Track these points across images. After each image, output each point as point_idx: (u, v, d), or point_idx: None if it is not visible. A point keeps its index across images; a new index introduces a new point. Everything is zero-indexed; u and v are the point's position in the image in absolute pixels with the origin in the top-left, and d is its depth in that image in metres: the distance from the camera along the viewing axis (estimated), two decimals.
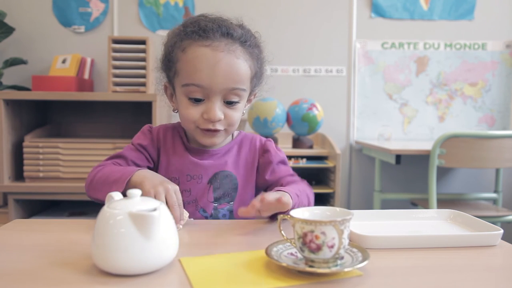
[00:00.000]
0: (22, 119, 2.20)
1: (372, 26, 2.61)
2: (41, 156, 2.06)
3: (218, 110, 0.89)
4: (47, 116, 2.44)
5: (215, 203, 0.97)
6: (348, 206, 2.66)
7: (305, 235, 0.58)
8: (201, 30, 0.88)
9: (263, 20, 2.52)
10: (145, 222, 0.58)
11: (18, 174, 2.13)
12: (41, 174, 2.06)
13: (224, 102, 0.90)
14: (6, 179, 2.04)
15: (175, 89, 0.94)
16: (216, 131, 0.91)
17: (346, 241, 0.59)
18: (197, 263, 0.63)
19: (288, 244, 0.66)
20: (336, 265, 0.59)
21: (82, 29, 2.52)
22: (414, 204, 2.42)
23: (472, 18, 2.63)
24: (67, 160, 2.06)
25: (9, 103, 2.06)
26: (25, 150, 2.06)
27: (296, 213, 0.62)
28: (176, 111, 0.98)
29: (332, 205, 2.18)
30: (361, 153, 2.65)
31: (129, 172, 0.86)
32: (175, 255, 0.63)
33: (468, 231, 0.80)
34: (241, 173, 0.99)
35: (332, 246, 0.58)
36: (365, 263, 0.58)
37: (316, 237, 0.57)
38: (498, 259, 0.69)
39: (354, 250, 0.64)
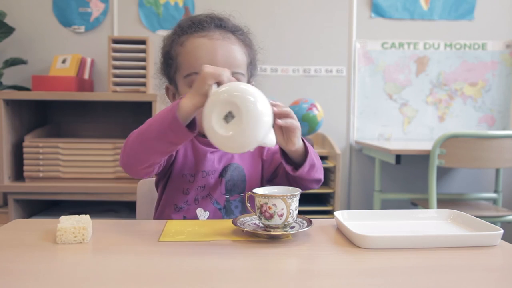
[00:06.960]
0: (22, 119, 2.20)
1: (372, 26, 2.61)
2: (41, 156, 2.06)
3: None
4: (47, 116, 2.44)
5: (226, 195, 1.00)
6: (348, 206, 2.66)
7: (261, 206, 0.76)
8: (195, 24, 0.95)
9: (263, 20, 2.52)
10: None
11: (18, 174, 2.13)
12: (41, 174, 2.06)
13: None
14: (6, 179, 2.04)
15: (178, 85, 0.97)
16: None
17: (294, 212, 0.76)
18: (173, 233, 0.78)
19: (255, 216, 0.81)
20: (286, 230, 0.76)
21: (82, 29, 2.52)
22: (414, 204, 2.42)
23: (472, 18, 2.63)
24: (67, 160, 2.06)
25: (9, 103, 2.06)
26: (25, 150, 2.06)
27: (258, 190, 0.79)
28: None
29: (332, 205, 2.18)
30: (361, 153, 2.65)
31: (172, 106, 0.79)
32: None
33: (468, 231, 0.80)
34: (247, 163, 1.02)
35: (281, 215, 0.75)
36: (306, 228, 0.76)
37: (269, 207, 0.75)
38: (498, 259, 0.69)
39: (304, 222, 0.80)
